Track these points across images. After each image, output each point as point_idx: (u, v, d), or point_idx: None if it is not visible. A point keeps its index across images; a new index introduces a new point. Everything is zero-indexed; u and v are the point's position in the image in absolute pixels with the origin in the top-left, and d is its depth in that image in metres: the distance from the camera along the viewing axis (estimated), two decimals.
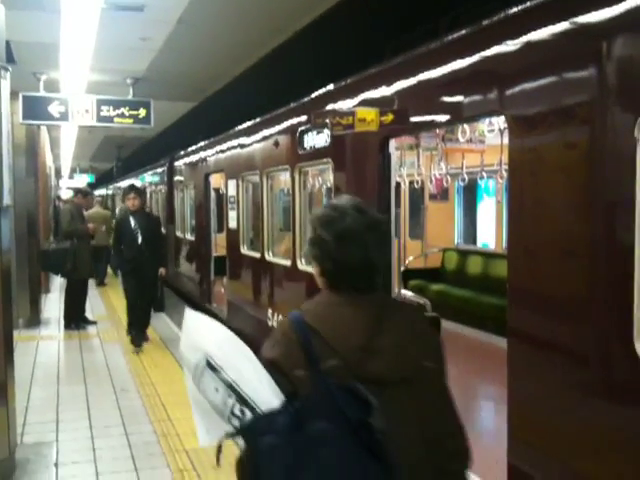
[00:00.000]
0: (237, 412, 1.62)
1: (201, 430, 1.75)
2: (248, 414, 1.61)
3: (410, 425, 1.79)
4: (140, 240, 8.07)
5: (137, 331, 8.28)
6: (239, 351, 1.69)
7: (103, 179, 35.37)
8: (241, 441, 1.62)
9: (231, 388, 1.64)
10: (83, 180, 32.04)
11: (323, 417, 1.58)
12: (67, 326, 9.52)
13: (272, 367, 1.71)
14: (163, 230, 10.94)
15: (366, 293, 1.86)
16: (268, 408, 1.60)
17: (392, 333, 1.81)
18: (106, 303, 11.68)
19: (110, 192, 29.20)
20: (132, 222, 8.19)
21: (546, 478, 3.25)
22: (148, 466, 4.64)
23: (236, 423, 1.62)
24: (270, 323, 7.42)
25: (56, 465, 4.67)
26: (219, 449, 1.67)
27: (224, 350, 1.68)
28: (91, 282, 10.88)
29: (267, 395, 1.64)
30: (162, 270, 8.39)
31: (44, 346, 8.50)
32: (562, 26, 3.13)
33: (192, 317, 1.78)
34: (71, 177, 34.02)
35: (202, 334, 1.74)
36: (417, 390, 1.81)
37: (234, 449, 1.68)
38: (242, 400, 1.63)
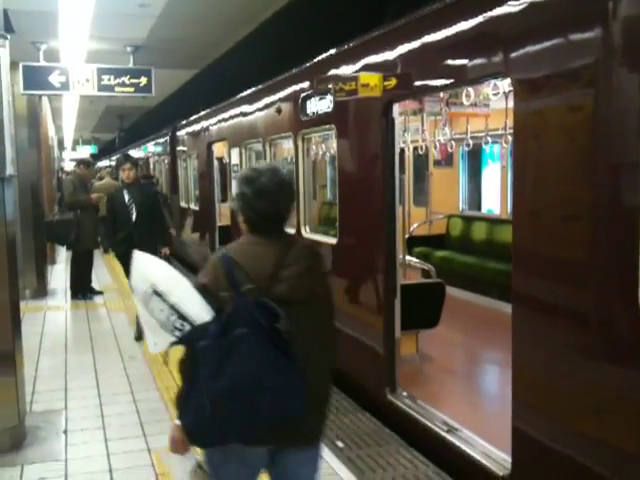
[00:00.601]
0: (178, 326, 2.23)
1: (150, 342, 2.35)
2: (187, 327, 2.22)
3: (308, 332, 2.36)
4: (135, 216, 7.15)
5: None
6: (177, 280, 2.30)
7: (106, 150, 35.24)
8: (181, 346, 2.26)
9: (173, 308, 2.23)
10: (86, 151, 31.94)
11: (242, 325, 2.18)
12: (74, 296, 9.57)
13: (204, 290, 2.30)
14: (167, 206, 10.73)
15: (277, 236, 2.45)
16: (201, 321, 2.21)
17: (293, 266, 2.39)
18: (112, 273, 11.73)
19: (113, 163, 29.12)
20: (126, 196, 7.24)
21: (550, 441, 3.28)
22: (156, 432, 4.69)
23: (178, 334, 2.24)
24: None
25: (65, 432, 4.72)
26: (165, 354, 2.43)
27: (166, 280, 2.28)
28: (97, 252, 10.90)
29: (200, 312, 2.23)
30: (165, 249, 7.31)
31: (51, 316, 8.55)
32: None
33: (141, 257, 2.39)
34: (74, 149, 33.94)
35: (149, 269, 2.34)
36: (312, 308, 2.42)
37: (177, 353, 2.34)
38: (182, 316, 2.22)
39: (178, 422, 2.36)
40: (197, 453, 2.49)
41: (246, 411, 2.19)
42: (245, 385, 2.17)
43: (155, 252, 7.74)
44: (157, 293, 2.25)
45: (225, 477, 2.47)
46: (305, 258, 2.46)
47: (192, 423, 2.28)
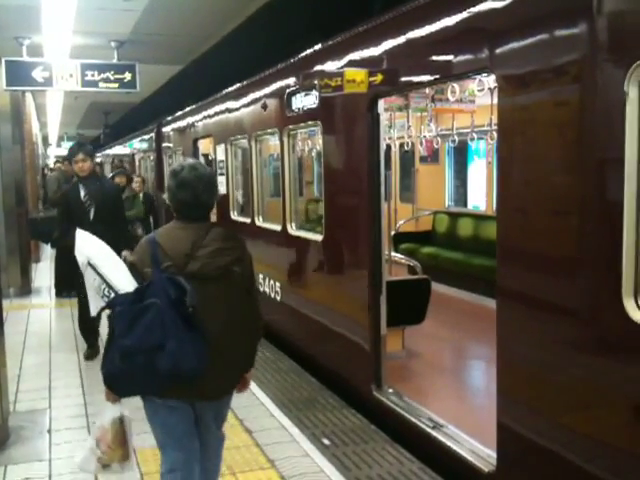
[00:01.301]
0: (106, 293, 2.74)
1: (91, 306, 2.85)
2: (112, 294, 2.73)
3: (217, 307, 2.83)
4: (92, 215, 6.22)
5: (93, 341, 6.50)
6: (109, 257, 2.86)
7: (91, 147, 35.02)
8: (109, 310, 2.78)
9: (102, 279, 2.75)
10: None
11: (154, 296, 2.65)
12: (58, 294, 9.50)
13: (131, 267, 2.84)
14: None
15: (197, 221, 2.90)
16: (125, 291, 2.72)
17: (209, 247, 2.83)
18: None
19: (98, 160, 28.90)
20: (82, 192, 6.29)
21: (535, 436, 3.28)
22: (140, 430, 4.64)
23: (106, 300, 2.75)
24: (262, 288, 7.42)
25: (49, 432, 4.68)
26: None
27: (98, 255, 2.83)
28: None
29: (127, 284, 2.75)
30: (125, 253, 5.45)
31: (35, 314, 8.48)
32: None
33: (81, 234, 2.95)
34: (59, 145, 33.70)
35: (86, 245, 2.89)
36: (225, 285, 2.86)
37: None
38: (109, 286, 2.74)
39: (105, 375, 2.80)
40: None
41: (148, 366, 2.64)
42: (146, 346, 2.63)
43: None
44: (91, 265, 2.79)
45: (157, 426, 2.97)
46: (220, 240, 2.89)
47: (106, 372, 2.76)
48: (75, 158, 6.37)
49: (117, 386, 2.79)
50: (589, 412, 3.02)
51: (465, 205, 9.90)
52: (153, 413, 2.94)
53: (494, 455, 3.61)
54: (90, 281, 2.79)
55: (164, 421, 2.92)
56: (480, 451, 3.86)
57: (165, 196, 3.06)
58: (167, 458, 2.97)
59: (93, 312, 2.86)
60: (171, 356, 2.61)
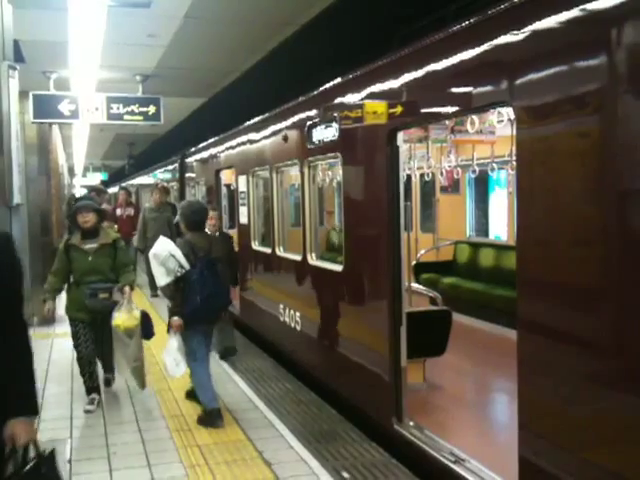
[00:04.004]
0: (178, 269, 5.18)
1: (161, 280, 5.26)
2: (182, 271, 5.20)
3: (224, 268, 5.64)
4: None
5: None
6: (177, 250, 5.23)
7: (116, 177, 35.53)
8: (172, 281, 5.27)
9: (178, 262, 5.18)
10: (96, 178, 32.20)
11: (204, 269, 5.28)
12: None
13: (186, 255, 5.25)
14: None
15: (201, 232, 5.62)
16: (187, 268, 5.22)
17: (216, 246, 5.64)
18: None
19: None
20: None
21: (557, 471, 3.22)
22: (161, 462, 4.66)
23: (178, 274, 5.19)
24: (282, 318, 7.42)
25: (70, 462, 4.68)
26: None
27: (174, 249, 5.24)
28: None
29: (186, 264, 5.21)
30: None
31: (58, 343, 8.54)
32: (569, 14, 3.09)
33: (162, 239, 5.45)
34: (84, 175, 34.24)
35: (166, 244, 5.32)
36: (224, 260, 5.76)
37: None
38: (180, 266, 5.19)
39: (177, 318, 5.25)
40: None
41: (210, 305, 5.29)
42: (209, 292, 5.23)
43: None
44: (172, 255, 5.19)
45: (192, 342, 5.39)
46: (220, 241, 6.06)
47: (189, 312, 5.21)
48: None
49: (193, 318, 5.25)
50: (613, 447, 2.96)
51: (487, 235, 9.85)
52: (192, 334, 5.37)
53: None
54: (170, 265, 5.14)
55: (197, 337, 5.42)
56: None
57: (178, 219, 5.66)
58: (197, 355, 5.44)
59: (162, 283, 5.26)
60: (218, 297, 5.37)
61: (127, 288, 5.87)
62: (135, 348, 5.81)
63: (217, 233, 6.88)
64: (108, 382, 6.48)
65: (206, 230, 6.09)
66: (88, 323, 5.96)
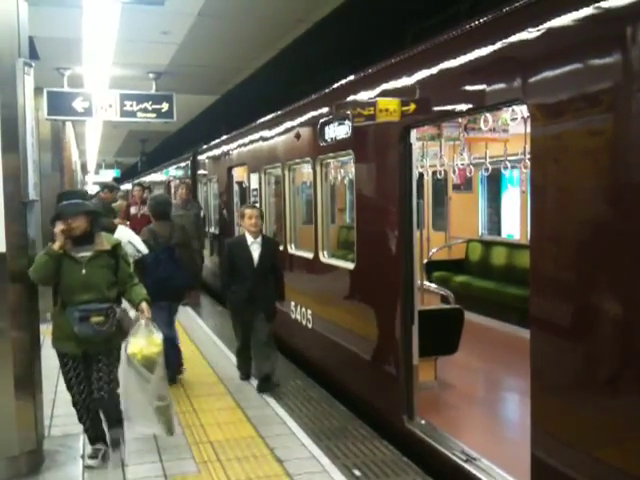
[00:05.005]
0: (137, 254, 5.95)
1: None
2: (139, 254, 6.00)
3: (185, 253, 6.82)
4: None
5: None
6: (136, 237, 6.11)
7: (128, 174, 35.69)
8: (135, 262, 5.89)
9: (135, 247, 5.93)
10: (109, 175, 32.31)
11: (161, 253, 6.27)
12: None
13: (146, 241, 6.18)
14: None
15: (165, 220, 6.71)
16: (145, 252, 6.07)
17: (177, 232, 6.75)
18: None
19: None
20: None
21: (570, 470, 3.21)
22: (173, 457, 4.68)
23: (136, 257, 5.92)
24: (293, 316, 7.43)
25: (82, 457, 4.72)
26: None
27: (132, 237, 6.02)
28: None
29: (144, 249, 6.07)
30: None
31: None
32: (584, 11, 3.07)
33: (120, 229, 6.13)
34: (97, 172, 34.38)
35: (124, 232, 5.99)
36: (183, 246, 6.78)
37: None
38: (138, 250, 5.98)
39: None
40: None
41: (167, 285, 6.09)
42: (165, 275, 6.11)
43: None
44: (129, 241, 5.80)
45: (157, 317, 5.03)
46: (179, 229, 6.87)
47: (148, 291, 4.97)
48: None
49: (155, 296, 5.22)
50: (627, 447, 2.94)
51: (499, 234, 9.81)
52: (158, 309, 5.56)
53: None
54: (129, 249, 5.57)
55: (161, 313, 5.87)
56: None
57: (147, 209, 7.16)
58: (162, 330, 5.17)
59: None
60: (175, 279, 6.20)
61: (144, 304, 4.63)
62: (158, 383, 4.54)
63: (259, 236, 6.20)
64: (116, 444, 4.66)
65: (249, 229, 6.09)
66: (80, 358, 4.54)
